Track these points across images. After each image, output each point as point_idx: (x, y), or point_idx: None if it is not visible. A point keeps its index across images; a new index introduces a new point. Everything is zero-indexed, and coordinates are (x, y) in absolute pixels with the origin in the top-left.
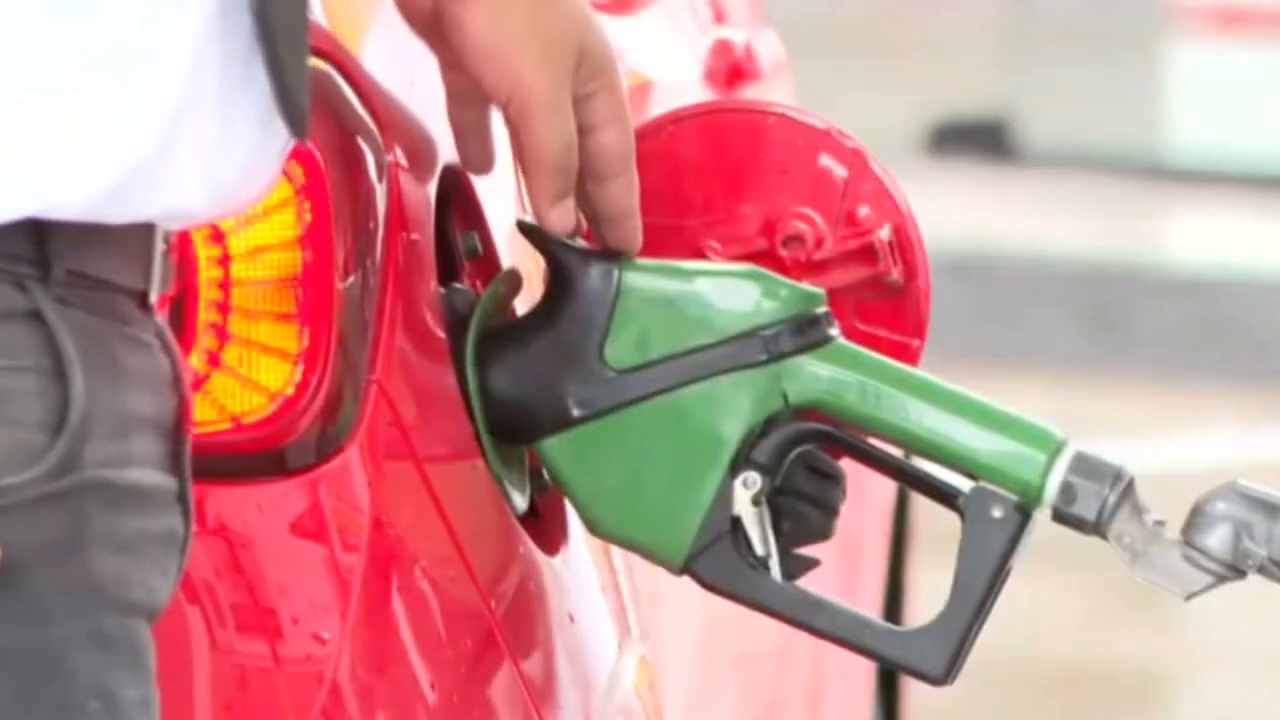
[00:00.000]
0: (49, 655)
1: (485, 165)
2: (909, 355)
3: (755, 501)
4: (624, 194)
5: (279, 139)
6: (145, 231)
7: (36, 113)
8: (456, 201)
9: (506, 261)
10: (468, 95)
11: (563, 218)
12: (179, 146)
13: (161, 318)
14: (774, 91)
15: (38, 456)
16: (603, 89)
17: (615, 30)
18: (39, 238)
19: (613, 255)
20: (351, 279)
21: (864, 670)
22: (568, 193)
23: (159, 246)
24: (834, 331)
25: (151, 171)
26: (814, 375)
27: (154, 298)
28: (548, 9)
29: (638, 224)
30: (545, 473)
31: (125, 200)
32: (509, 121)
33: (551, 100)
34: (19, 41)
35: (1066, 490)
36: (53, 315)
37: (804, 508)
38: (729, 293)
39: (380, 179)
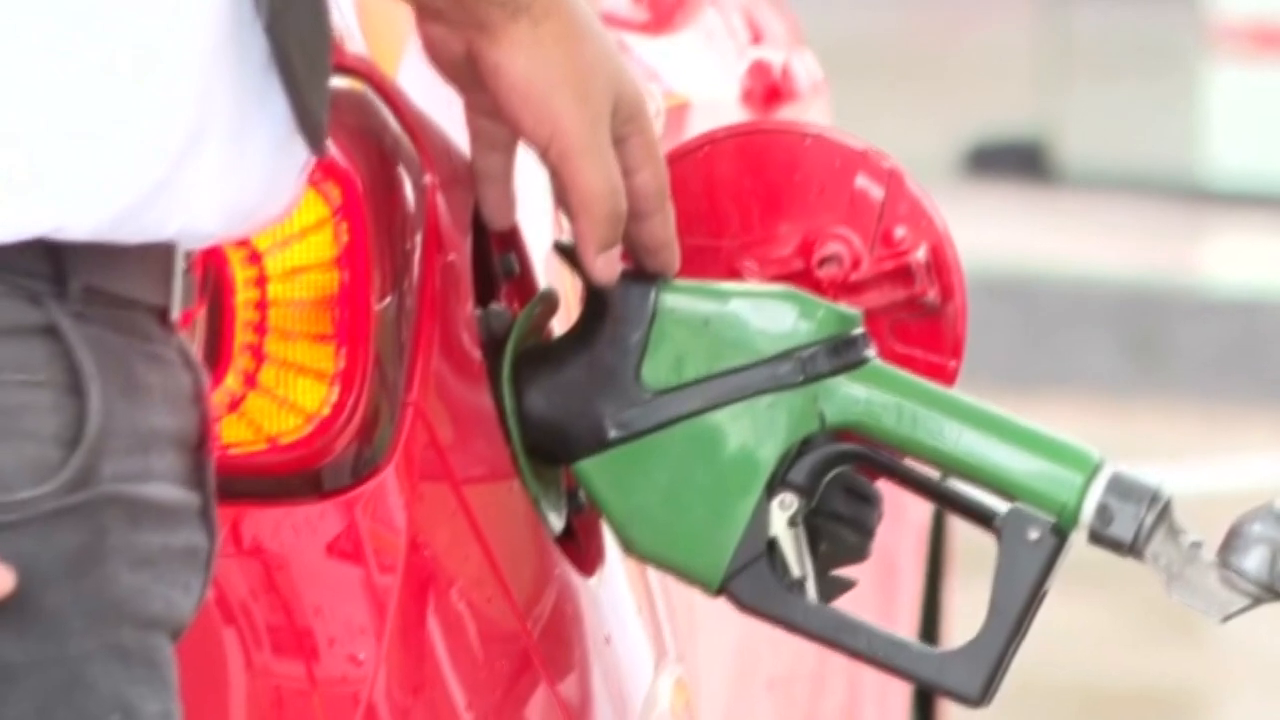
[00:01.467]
0: (68, 670)
1: (506, 215)
2: (946, 376)
3: (791, 523)
4: (661, 228)
5: (298, 157)
6: (165, 249)
7: (47, 135)
8: None
9: (543, 282)
10: (494, 141)
11: (608, 267)
12: (192, 168)
13: (185, 335)
14: (811, 112)
15: (53, 471)
16: (637, 131)
17: (653, 51)
18: (55, 255)
19: (649, 276)
20: (388, 300)
21: (900, 692)
22: (615, 241)
23: (179, 264)
24: (870, 352)
25: (164, 193)
26: (850, 396)
27: (175, 314)
28: (584, 52)
29: (675, 252)
30: (582, 494)
31: (137, 222)
32: (550, 166)
33: (592, 143)
34: (31, 65)
35: (1103, 512)
36: (69, 330)
37: (840, 529)
38: (765, 314)
39: (417, 200)
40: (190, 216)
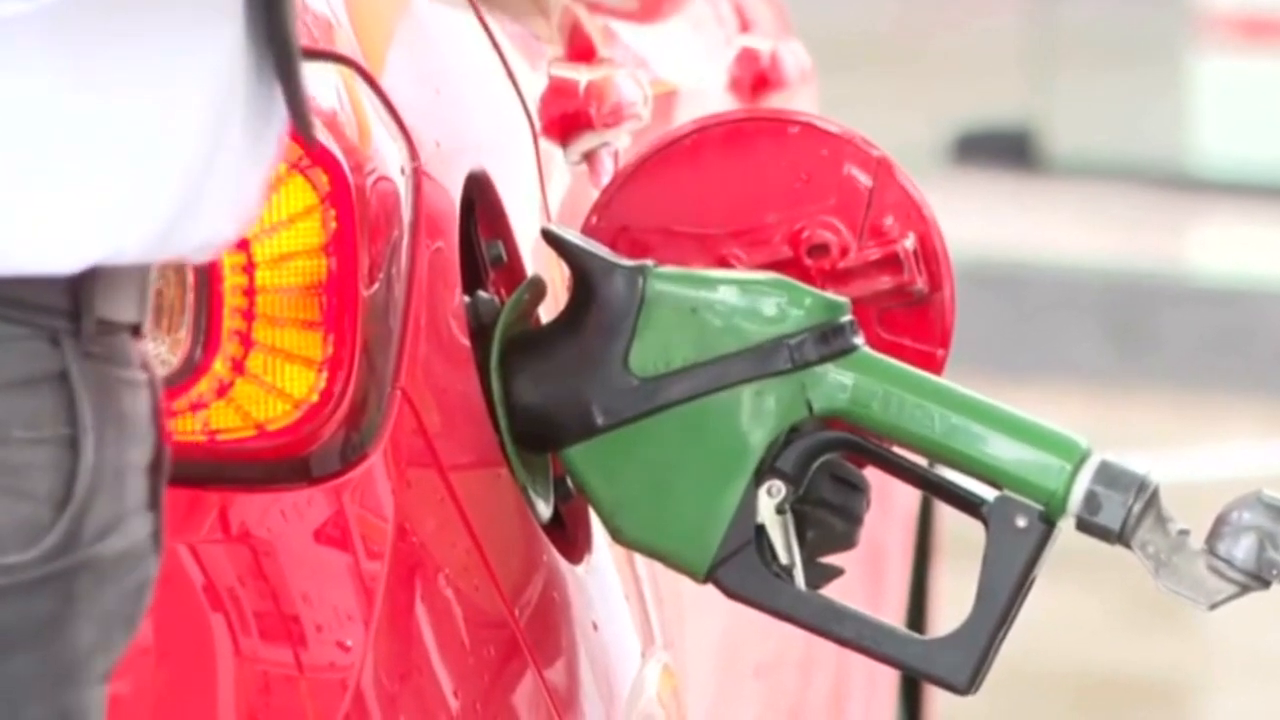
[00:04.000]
0: None
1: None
2: (934, 364)
3: (779, 510)
4: None
5: (276, 152)
6: (146, 265)
7: (94, 161)
8: (481, 210)
9: (531, 269)
10: None
11: None
12: (216, 178)
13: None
14: (799, 101)
15: (43, 533)
16: None
17: (641, 38)
18: (73, 289)
19: (637, 264)
20: (376, 287)
21: (887, 679)
22: None
23: (153, 277)
24: (858, 340)
25: (194, 207)
26: (838, 384)
27: (146, 328)
28: None
29: None
30: (569, 481)
31: (173, 238)
32: None
33: None
34: (76, 97)
35: (1091, 499)
36: (77, 376)
37: (828, 516)
38: (754, 301)
39: (405, 187)
40: (213, 227)
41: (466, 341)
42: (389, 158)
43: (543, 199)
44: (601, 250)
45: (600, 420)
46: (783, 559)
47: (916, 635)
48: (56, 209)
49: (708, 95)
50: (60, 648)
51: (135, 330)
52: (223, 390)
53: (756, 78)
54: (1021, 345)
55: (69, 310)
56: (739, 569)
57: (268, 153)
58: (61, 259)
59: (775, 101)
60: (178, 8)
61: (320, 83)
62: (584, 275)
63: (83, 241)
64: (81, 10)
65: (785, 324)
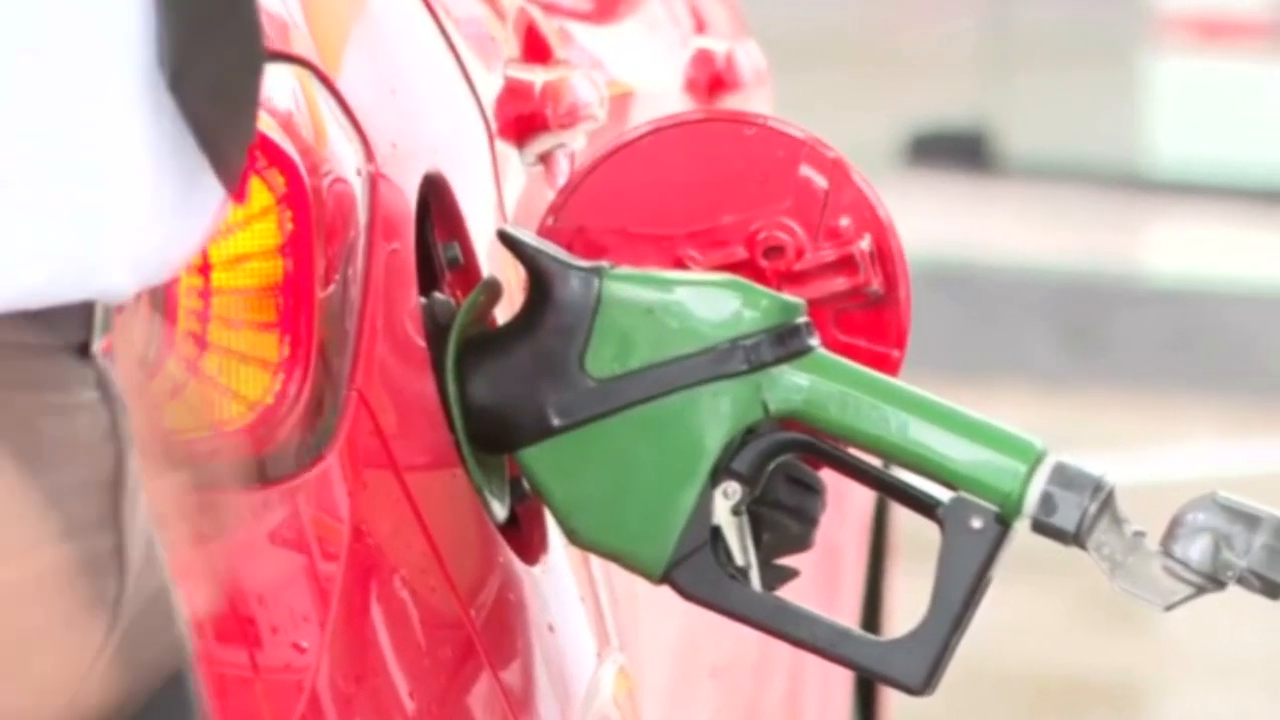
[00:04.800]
0: None
1: None
2: (889, 366)
3: (735, 511)
4: None
5: (213, 196)
6: None
7: None
8: (437, 211)
9: (487, 271)
10: None
11: None
12: (106, 237)
13: (105, 358)
14: (755, 102)
15: None
16: None
17: (596, 39)
18: None
19: (593, 265)
20: (332, 288)
21: (842, 681)
22: None
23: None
24: (814, 342)
25: (81, 264)
26: (794, 385)
27: (96, 345)
28: None
29: None
30: (525, 482)
31: (54, 292)
32: None
33: None
34: None
35: (1046, 501)
36: None
37: (784, 518)
38: (709, 302)
39: (361, 189)
40: (105, 281)
41: (422, 343)
42: (345, 159)
43: (499, 200)
44: (557, 251)
45: (556, 421)
46: (738, 560)
47: (872, 637)
48: None
49: (663, 96)
50: None
51: (81, 350)
52: (177, 391)
53: (712, 79)
54: (977, 346)
55: None
56: (694, 570)
57: (178, 203)
58: None
59: (731, 103)
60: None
61: (276, 84)
62: (540, 277)
63: None
64: None
65: (741, 325)
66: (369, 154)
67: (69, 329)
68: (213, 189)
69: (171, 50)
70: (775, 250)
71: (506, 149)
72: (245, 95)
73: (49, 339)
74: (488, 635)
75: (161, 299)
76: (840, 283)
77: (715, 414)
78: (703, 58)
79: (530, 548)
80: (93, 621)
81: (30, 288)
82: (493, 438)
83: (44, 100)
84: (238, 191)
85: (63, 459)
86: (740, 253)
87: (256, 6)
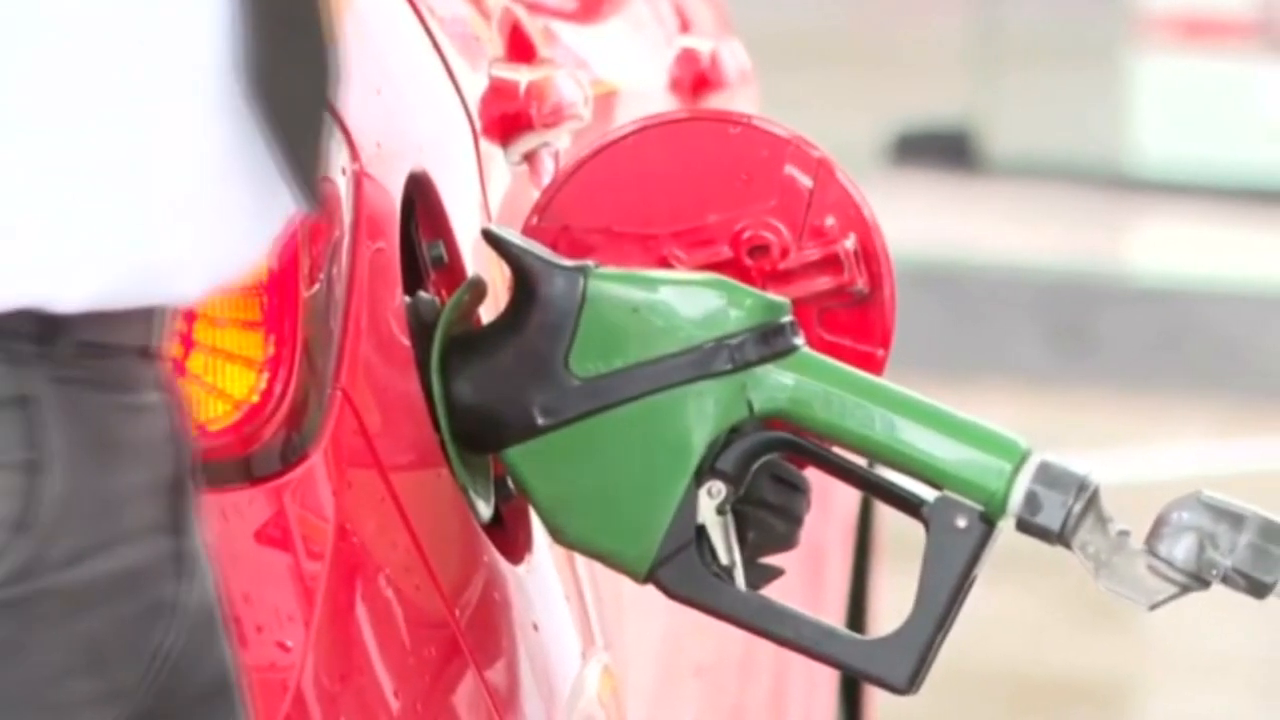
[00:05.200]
0: None
1: None
2: (874, 365)
3: (720, 510)
4: None
5: (283, 209)
6: None
7: (36, 211)
8: (422, 211)
9: (472, 270)
10: None
11: None
12: (180, 241)
13: (166, 361)
14: (739, 101)
15: None
16: None
17: (581, 38)
18: (43, 315)
19: (578, 264)
20: (317, 287)
21: (827, 679)
22: None
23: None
24: (799, 341)
25: (153, 268)
26: (779, 384)
27: (157, 348)
28: None
29: None
30: (510, 481)
31: (127, 294)
32: None
33: None
34: (27, 143)
35: (1031, 500)
36: (44, 400)
37: (768, 517)
38: (694, 302)
39: (346, 188)
40: (177, 282)
41: (407, 342)
42: (330, 158)
43: (483, 199)
44: (542, 251)
45: (541, 420)
46: (723, 559)
47: (857, 636)
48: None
49: (648, 96)
50: (19, 673)
51: (144, 352)
52: None
53: (697, 78)
54: (961, 345)
55: (37, 334)
56: (679, 569)
57: (249, 213)
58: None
59: (715, 102)
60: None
61: None
62: (525, 276)
63: (20, 280)
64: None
65: (726, 325)
66: (353, 153)
67: (135, 331)
68: (283, 197)
69: (250, 57)
70: (760, 249)
71: (491, 148)
72: (319, 106)
73: (117, 340)
74: (472, 634)
75: None
76: (825, 282)
77: (700, 413)
78: (687, 57)
79: (515, 547)
80: (152, 626)
81: (105, 290)
82: (478, 437)
83: (122, 103)
84: (314, 200)
85: (130, 460)
86: (725, 252)
87: (333, 20)
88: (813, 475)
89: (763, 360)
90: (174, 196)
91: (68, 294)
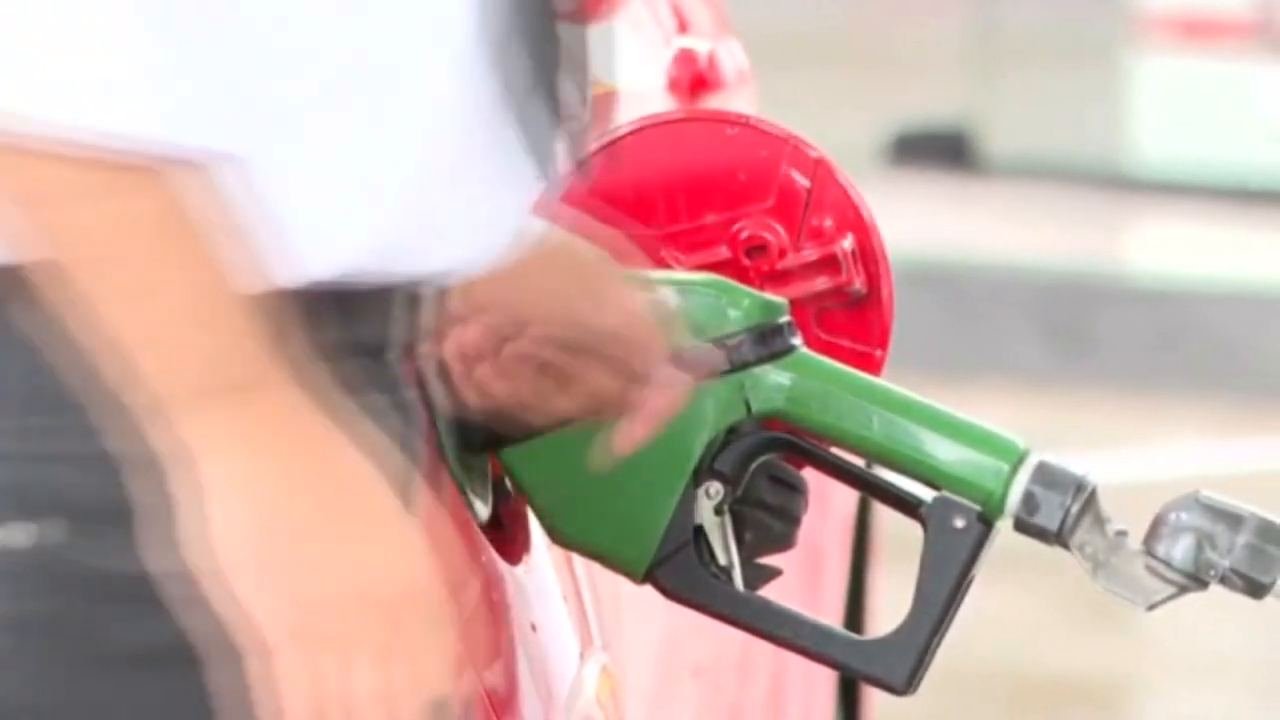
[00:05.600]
0: None
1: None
2: (872, 365)
3: (718, 511)
4: None
5: (525, 188)
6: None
7: (309, 184)
8: None
9: None
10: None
11: None
12: (433, 210)
13: (399, 364)
14: (737, 101)
15: None
16: None
17: None
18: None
19: None
20: None
21: (825, 679)
22: None
23: (400, 300)
24: (797, 341)
25: (413, 234)
26: (776, 385)
27: (394, 352)
28: None
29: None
30: (508, 481)
31: (386, 267)
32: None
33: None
34: (298, 120)
35: (1029, 500)
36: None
37: (766, 517)
38: (691, 302)
39: None
40: (425, 258)
41: None
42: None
43: None
44: None
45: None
46: (721, 560)
47: (854, 636)
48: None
49: (646, 96)
50: None
51: (381, 351)
52: None
53: (694, 78)
54: (959, 346)
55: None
56: (677, 570)
57: (499, 190)
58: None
59: (714, 102)
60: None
61: None
62: None
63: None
64: None
65: (723, 325)
66: None
67: (373, 327)
68: (525, 173)
69: (493, 26)
70: (758, 250)
71: None
72: (553, 79)
73: (359, 338)
74: (470, 635)
75: None
76: (823, 282)
77: (698, 413)
78: (685, 57)
79: (513, 547)
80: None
81: (362, 261)
82: (475, 437)
83: (373, 70)
84: (554, 174)
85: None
86: (723, 252)
87: None
88: (810, 475)
89: (761, 360)
90: (429, 161)
91: (319, 266)
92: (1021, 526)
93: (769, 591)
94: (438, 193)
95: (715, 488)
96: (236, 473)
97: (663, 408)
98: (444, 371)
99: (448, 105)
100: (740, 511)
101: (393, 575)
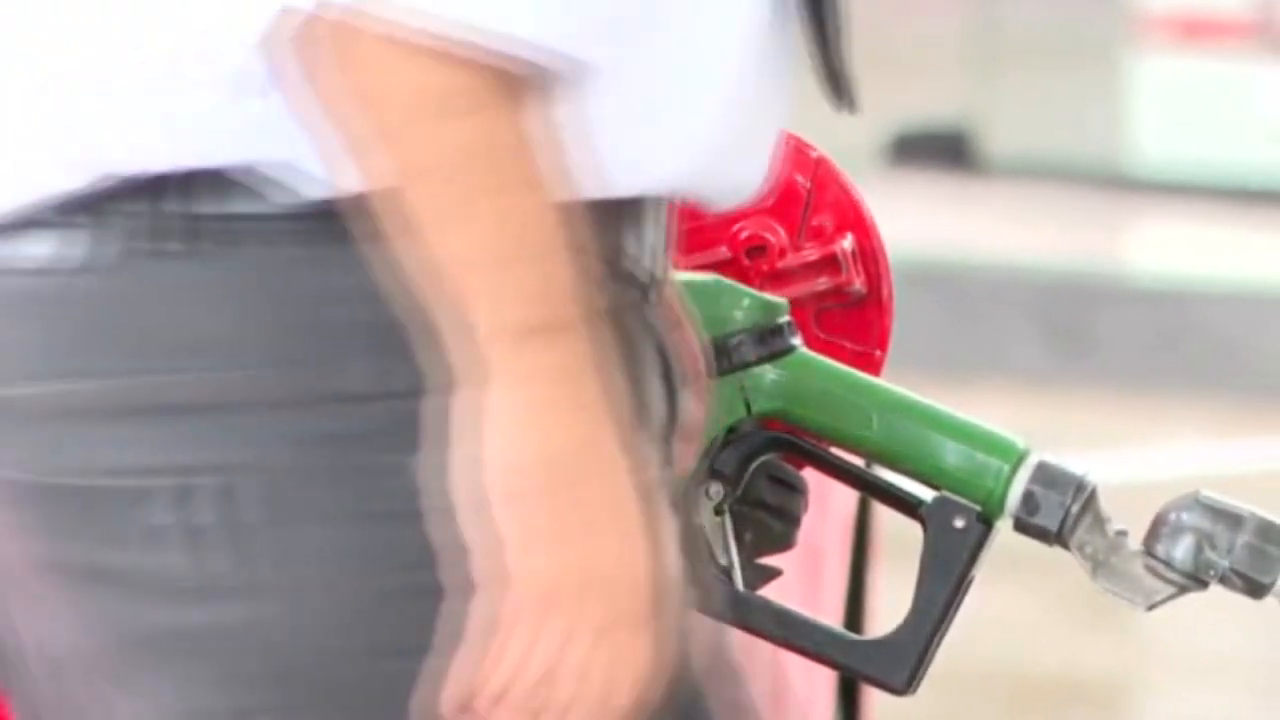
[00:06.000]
0: None
1: None
2: (871, 365)
3: (717, 511)
4: None
5: (781, 119)
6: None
7: (623, 100)
8: None
9: None
10: None
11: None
12: (734, 125)
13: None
14: None
15: None
16: None
17: None
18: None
19: None
20: None
21: (825, 679)
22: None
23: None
24: (796, 341)
25: (715, 157)
26: (776, 384)
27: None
28: None
29: None
30: None
31: (688, 184)
32: None
33: None
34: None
35: (1028, 500)
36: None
37: (766, 517)
38: (692, 302)
39: None
40: (736, 174)
41: None
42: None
43: None
44: None
45: None
46: (720, 560)
47: (854, 636)
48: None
49: None
50: None
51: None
52: None
53: None
54: (959, 346)
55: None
56: None
57: (782, 112)
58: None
59: None
60: None
61: None
62: None
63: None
64: None
65: (723, 325)
66: None
67: (639, 265)
68: (785, 105)
69: None
70: (758, 250)
71: None
72: (844, 21)
73: (634, 272)
74: None
75: None
76: (823, 282)
77: None
78: None
79: None
80: None
81: (673, 178)
82: None
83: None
84: (854, 99)
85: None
86: (723, 252)
87: None
88: (810, 475)
89: (760, 360)
90: (739, 79)
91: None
92: (1021, 526)
93: (769, 591)
94: (742, 112)
95: (715, 488)
96: (520, 408)
97: (700, 418)
98: None
99: (749, 26)
100: (740, 511)
101: (630, 562)
